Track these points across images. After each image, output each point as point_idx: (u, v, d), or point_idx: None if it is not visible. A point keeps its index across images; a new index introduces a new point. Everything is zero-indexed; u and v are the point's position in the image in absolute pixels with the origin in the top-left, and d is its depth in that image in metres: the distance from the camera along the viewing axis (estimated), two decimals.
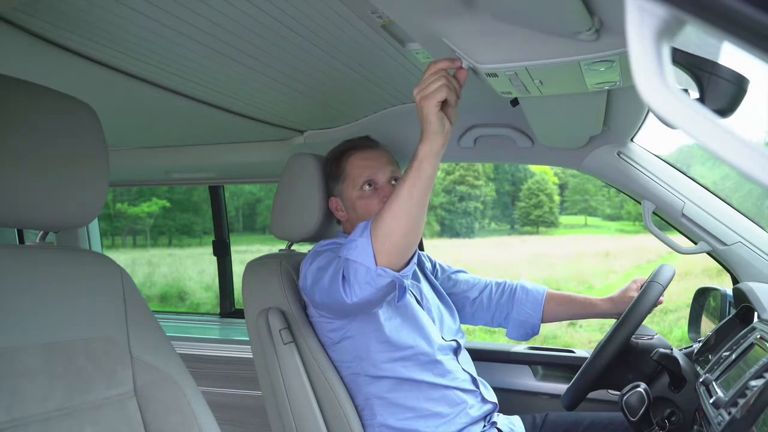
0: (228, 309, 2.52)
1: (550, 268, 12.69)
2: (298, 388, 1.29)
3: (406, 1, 0.78)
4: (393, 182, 1.36)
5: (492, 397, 1.40)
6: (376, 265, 1.03)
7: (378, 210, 1.22)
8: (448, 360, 1.34)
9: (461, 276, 1.61)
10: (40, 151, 0.84)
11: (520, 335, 1.58)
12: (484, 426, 1.34)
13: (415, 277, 1.46)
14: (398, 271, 1.05)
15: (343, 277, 1.08)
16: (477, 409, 1.34)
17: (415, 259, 1.10)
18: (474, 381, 1.38)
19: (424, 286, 1.48)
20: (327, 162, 1.42)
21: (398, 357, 1.28)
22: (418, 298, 1.42)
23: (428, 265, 1.59)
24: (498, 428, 1.35)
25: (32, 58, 1.09)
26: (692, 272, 8.39)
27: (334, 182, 1.39)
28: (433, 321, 1.39)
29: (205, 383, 2.07)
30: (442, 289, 1.53)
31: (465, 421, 1.31)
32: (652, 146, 1.49)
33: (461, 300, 1.58)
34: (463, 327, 1.54)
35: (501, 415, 1.42)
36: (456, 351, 1.39)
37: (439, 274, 1.61)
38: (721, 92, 0.68)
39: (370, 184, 1.35)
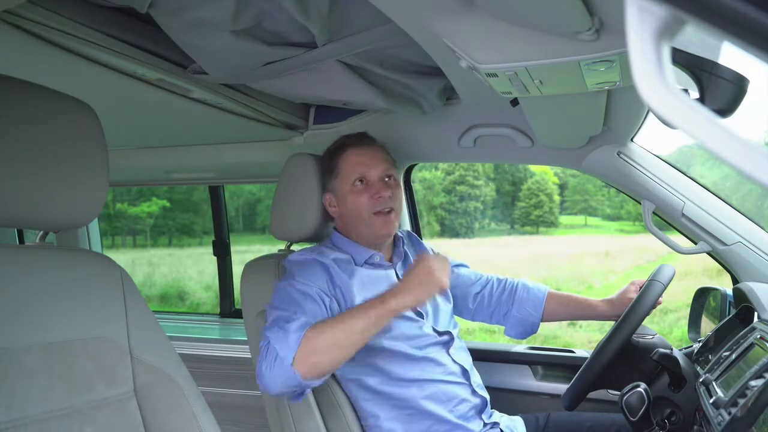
0: (228, 309, 2.52)
1: (550, 268, 12.66)
2: None
3: (406, 1, 0.78)
4: (386, 179, 1.35)
5: (483, 391, 1.38)
6: (292, 365, 1.03)
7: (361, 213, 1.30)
8: (436, 352, 1.32)
9: (463, 270, 1.61)
10: (40, 151, 0.83)
11: (519, 333, 1.57)
12: (484, 426, 1.33)
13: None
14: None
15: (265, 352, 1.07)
16: (467, 403, 1.32)
17: (327, 376, 1.11)
18: (465, 373, 1.35)
19: None
20: (323, 158, 1.42)
21: (378, 356, 1.27)
22: None
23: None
24: (501, 429, 1.34)
25: (32, 58, 1.08)
26: (692, 272, 8.37)
27: (329, 177, 1.38)
28: (425, 315, 1.37)
29: (205, 383, 2.06)
30: None
31: (457, 415, 1.29)
32: (652, 146, 1.49)
33: (463, 295, 1.57)
34: (463, 327, 1.53)
35: (505, 415, 1.41)
36: (447, 344, 1.36)
37: None
38: (721, 92, 0.68)
39: (361, 180, 1.34)
